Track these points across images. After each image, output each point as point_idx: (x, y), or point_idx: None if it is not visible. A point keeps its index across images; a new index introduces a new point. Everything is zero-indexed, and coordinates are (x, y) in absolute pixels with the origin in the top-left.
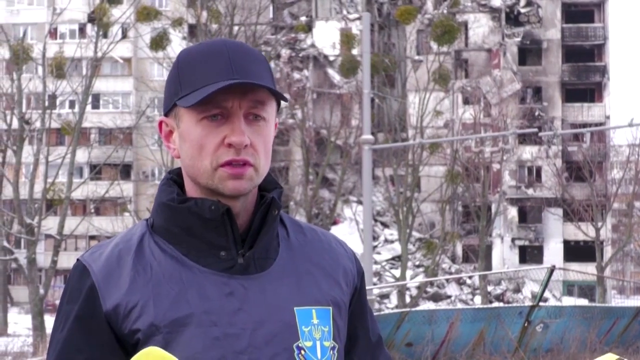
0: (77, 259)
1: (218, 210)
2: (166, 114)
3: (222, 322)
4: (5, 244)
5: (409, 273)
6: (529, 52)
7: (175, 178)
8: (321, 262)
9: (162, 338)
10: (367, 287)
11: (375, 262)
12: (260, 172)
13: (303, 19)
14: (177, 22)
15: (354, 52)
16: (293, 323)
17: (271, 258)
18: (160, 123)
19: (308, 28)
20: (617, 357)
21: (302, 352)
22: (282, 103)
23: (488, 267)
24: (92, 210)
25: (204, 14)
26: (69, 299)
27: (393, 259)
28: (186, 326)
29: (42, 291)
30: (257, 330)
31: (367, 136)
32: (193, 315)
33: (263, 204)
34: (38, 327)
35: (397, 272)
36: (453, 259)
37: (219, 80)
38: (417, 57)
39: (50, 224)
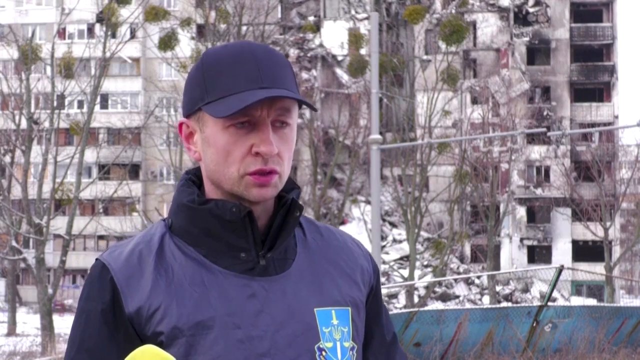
0: (96, 258)
1: (240, 212)
2: (187, 116)
3: (245, 324)
4: (14, 243)
5: (417, 273)
6: (538, 52)
7: (193, 179)
8: (339, 262)
9: (185, 341)
10: None
11: (384, 262)
12: (283, 179)
13: (311, 18)
14: (186, 22)
15: (362, 51)
16: (314, 324)
17: (290, 259)
18: (181, 124)
19: (316, 28)
20: None
21: (323, 353)
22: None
23: (496, 267)
24: (101, 210)
25: (213, 14)
26: (88, 297)
27: (401, 258)
28: (209, 329)
29: (50, 291)
30: (279, 332)
31: (376, 136)
32: (216, 317)
33: (283, 205)
34: (47, 326)
35: (405, 272)
36: (461, 259)
37: (248, 89)
38: (425, 57)
39: (58, 223)
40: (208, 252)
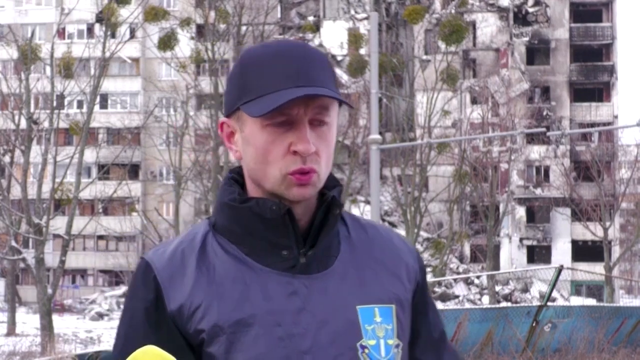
0: (141, 257)
1: (279, 210)
2: (228, 115)
3: (286, 322)
4: (14, 243)
5: None
6: (537, 52)
7: (236, 177)
8: (383, 259)
9: (226, 339)
10: None
11: None
12: (322, 177)
13: (311, 18)
14: (185, 22)
15: (362, 51)
16: (356, 322)
17: (333, 256)
18: (222, 124)
19: (316, 28)
20: None
21: (366, 350)
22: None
23: (496, 267)
24: (100, 210)
25: (212, 14)
26: (133, 296)
27: None
28: (250, 327)
29: (50, 291)
30: (320, 329)
31: (375, 136)
32: (256, 315)
33: (324, 202)
34: (46, 326)
35: None
36: (461, 259)
37: (285, 87)
38: (425, 57)
39: (58, 223)
40: (250, 251)
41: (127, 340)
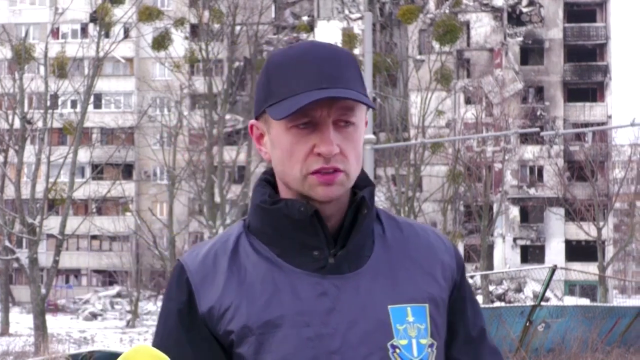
0: (177, 259)
1: (307, 211)
2: (257, 118)
3: (315, 322)
4: (7, 243)
5: None
6: (531, 52)
7: (269, 179)
8: (418, 258)
9: (255, 339)
10: None
11: None
12: (351, 177)
13: (305, 18)
14: (179, 22)
15: (356, 51)
16: (387, 321)
17: (365, 256)
18: (251, 126)
19: (310, 28)
20: None
21: (397, 350)
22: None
23: (490, 266)
24: (94, 210)
25: (206, 13)
26: (168, 298)
27: None
28: (278, 327)
29: (43, 291)
30: (350, 329)
31: (369, 136)
32: (285, 316)
33: (354, 202)
34: (40, 326)
35: None
36: None
37: (308, 90)
38: (419, 57)
39: (52, 223)
40: (281, 252)
41: (162, 341)
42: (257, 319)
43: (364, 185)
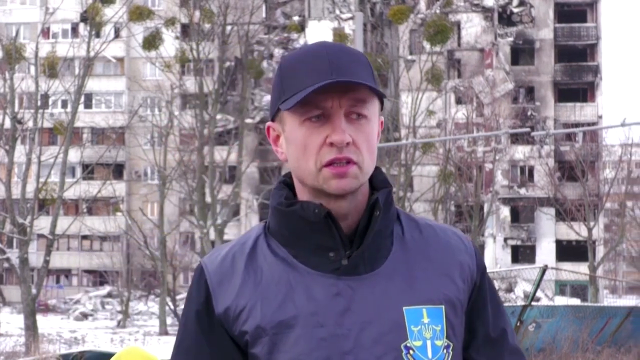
0: (199, 260)
1: (320, 213)
2: (272, 119)
3: (329, 323)
4: None
5: None
6: (522, 52)
7: (287, 181)
8: (436, 259)
9: (269, 340)
10: None
11: None
12: (364, 170)
13: (296, 18)
14: (170, 22)
15: None
16: (401, 323)
17: (383, 257)
18: (268, 128)
19: (301, 28)
20: None
21: (411, 351)
22: (384, 100)
23: None
24: (85, 210)
25: (197, 13)
26: (188, 299)
27: None
28: (292, 328)
29: (34, 291)
30: (364, 330)
31: None
32: (299, 316)
33: (370, 203)
34: (30, 326)
35: None
36: None
37: (317, 82)
38: (409, 57)
39: (42, 223)
40: (298, 253)
41: (181, 343)
42: (271, 320)
43: (382, 186)
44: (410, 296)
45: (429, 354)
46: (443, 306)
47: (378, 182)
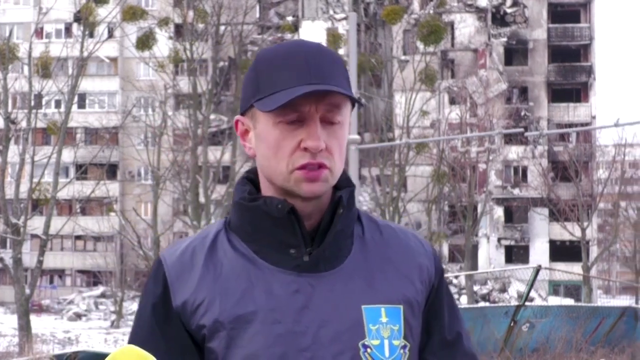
0: (158, 254)
1: (284, 209)
2: (243, 113)
3: (287, 319)
4: None
5: None
6: (515, 52)
7: (251, 177)
8: (395, 260)
9: (226, 334)
10: None
11: None
12: (334, 174)
13: (289, 18)
14: (164, 22)
15: (341, 51)
16: (360, 321)
17: (343, 256)
18: (237, 122)
19: (294, 28)
20: None
21: (369, 350)
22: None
23: (474, 266)
24: (78, 210)
25: (190, 13)
26: (145, 291)
27: None
28: (250, 323)
29: (28, 291)
30: (322, 328)
31: (354, 136)
32: (257, 312)
33: (333, 202)
34: (24, 327)
35: None
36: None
37: (297, 85)
38: (403, 57)
39: (36, 223)
40: (259, 249)
41: (136, 335)
42: (229, 314)
43: (345, 185)
44: (370, 295)
45: (387, 353)
46: (401, 306)
47: (341, 181)
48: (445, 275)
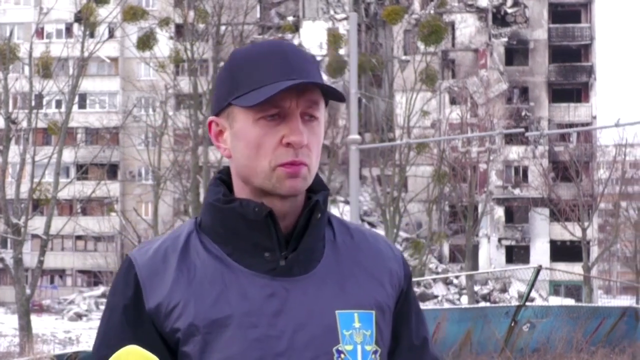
0: (127, 254)
1: (261, 212)
2: (217, 114)
3: (262, 323)
4: None
5: None
6: (516, 52)
7: (224, 178)
8: (366, 264)
9: (201, 338)
10: None
11: None
12: (312, 172)
13: (290, 18)
14: (164, 22)
15: (341, 52)
16: (334, 326)
17: (316, 260)
18: (210, 123)
19: (295, 28)
20: None
21: (342, 355)
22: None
23: (475, 267)
24: (79, 210)
25: (191, 13)
26: (114, 292)
27: None
28: (226, 327)
29: (28, 291)
30: (297, 332)
31: (354, 136)
32: (233, 316)
33: (309, 206)
34: (24, 327)
35: None
36: (440, 259)
37: (278, 80)
38: (404, 57)
39: (36, 224)
40: (233, 251)
41: (105, 336)
42: (204, 318)
43: (319, 189)
44: (343, 300)
45: (359, 359)
46: (374, 311)
47: (315, 184)
48: (446, 275)
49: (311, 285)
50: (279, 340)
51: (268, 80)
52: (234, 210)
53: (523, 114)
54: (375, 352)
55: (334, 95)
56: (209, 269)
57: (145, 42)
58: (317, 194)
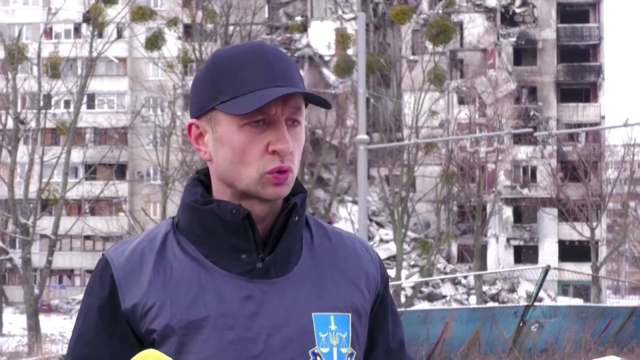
0: (102, 254)
1: (239, 214)
2: (198, 117)
3: (238, 325)
4: (1, 244)
5: (404, 273)
6: (524, 52)
7: (202, 178)
8: (343, 267)
9: (177, 340)
10: None
11: None
12: (294, 177)
13: (298, 18)
14: (172, 22)
15: (349, 52)
16: (310, 329)
17: (293, 262)
18: (190, 125)
19: (303, 28)
20: (619, 359)
21: (318, 358)
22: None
23: (483, 267)
24: (87, 210)
25: (199, 13)
26: (90, 292)
27: (388, 258)
28: (201, 329)
29: (37, 291)
30: (273, 335)
31: (363, 136)
32: (209, 318)
33: (287, 208)
34: (33, 327)
35: (392, 272)
36: (448, 259)
37: (264, 87)
38: (412, 57)
39: (45, 224)
40: (210, 252)
41: (80, 336)
42: (180, 319)
43: (297, 191)
44: (319, 302)
45: None
46: (350, 314)
47: (294, 186)
48: (455, 275)
49: (288, 287)
50: (254, 343)
51: (253, 86)
52: (212, 212)
53: (531, 113)
54: (351, 355)
55: (318, 102)
56: (185, 270)
57: (154, 42)
58: (296, 196)
